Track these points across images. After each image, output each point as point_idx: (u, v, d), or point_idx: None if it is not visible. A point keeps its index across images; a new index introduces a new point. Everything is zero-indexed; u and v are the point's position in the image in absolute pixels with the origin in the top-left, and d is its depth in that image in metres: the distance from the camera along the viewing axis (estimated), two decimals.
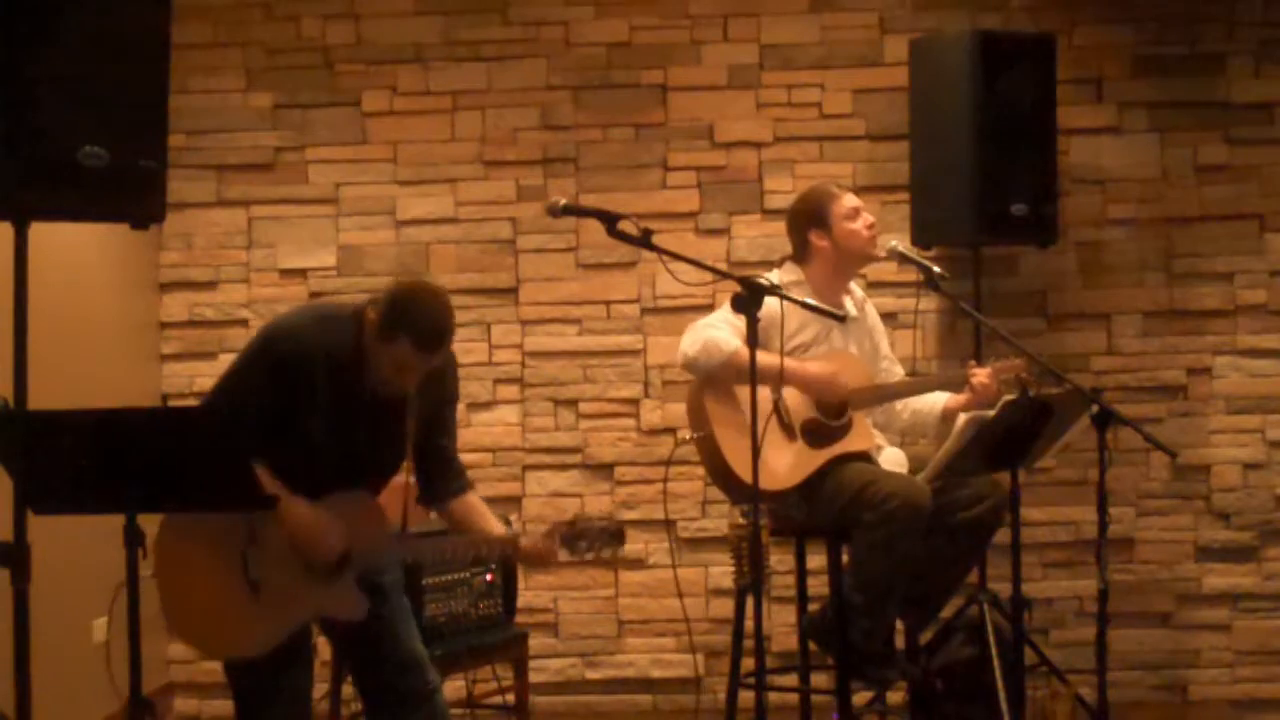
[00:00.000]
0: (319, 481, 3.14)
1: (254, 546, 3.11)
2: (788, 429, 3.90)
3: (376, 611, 3.21)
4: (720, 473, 3.84)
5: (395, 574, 3.34)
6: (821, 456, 3.90)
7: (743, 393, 3.57)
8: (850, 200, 4.08)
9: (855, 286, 4.25)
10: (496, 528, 3.36)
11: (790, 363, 3.80)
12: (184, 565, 3.12)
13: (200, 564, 3.13)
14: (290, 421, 3.12)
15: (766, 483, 3.30)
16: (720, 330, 3.84)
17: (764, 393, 3.54)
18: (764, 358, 3.42)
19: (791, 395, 3.91)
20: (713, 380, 3.86)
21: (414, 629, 3.31)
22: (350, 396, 3.15)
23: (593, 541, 3.23)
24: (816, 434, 3.93)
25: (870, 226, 4.07)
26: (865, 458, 3.97)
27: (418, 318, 3.04)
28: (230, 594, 3.11)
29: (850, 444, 3.95)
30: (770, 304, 3.34)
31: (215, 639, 3.19)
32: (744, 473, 3.40)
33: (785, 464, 3.85)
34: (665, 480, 4.79)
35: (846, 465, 3.90)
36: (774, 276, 3.99)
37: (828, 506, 3.87)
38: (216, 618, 3.13)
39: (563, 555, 3.25)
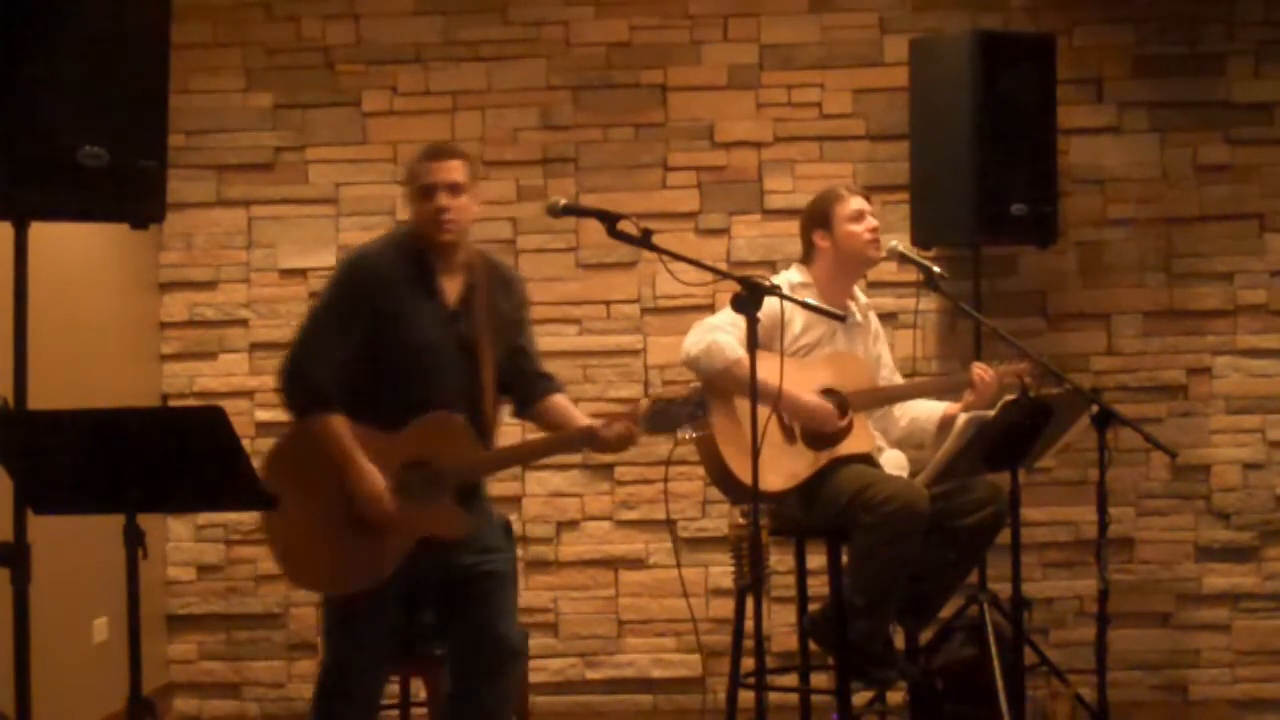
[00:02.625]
0: (433, 390, 3.34)
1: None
2: (787, 431, 3.89)
3: (484, 590, 3.37)
4: (720, 474, 3.84)
5: (509, 562, 3.50)
6: (821, 458, 3.90)
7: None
8: (856, 203, 4.07)
9: (860, 293, 4.24)
10: (581, 423, 3.46)
11: (789, 389, 3.69)
12: (290, 507, 3.23)
13: (305, 504, 3.26)
14: (393, 327, 3.32)
15: (766, 484, 3.28)
16: (726, 335, 3.80)
17: None
18: (764, 374, 3.36)
19: None
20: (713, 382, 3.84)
21: (512, 616, 3.46)
22: (431, 293, 3.38)
23: (677, 416, 3.30)
24: (817, 436, 3.92)
25: (873, 230, 4.07)
26: (866, 459, 3.96)
27: (422, 149, 3.46)
28: (335, 530, 3.27)
29: (850, 446, 3.94)
30: (774, 304, 3.33)
31: (327, 576, 3.31)
32: (743, 474, 3.39)
33: (785, 466, 3.84)
34: (665, 480, 4.79)
35: (846, 467, 3.89)
36: (783, 276, 4.00)
37: (827, 508, 3.86)
38: (326, 554, 3.28)
39: (645, 435, 3.35)
